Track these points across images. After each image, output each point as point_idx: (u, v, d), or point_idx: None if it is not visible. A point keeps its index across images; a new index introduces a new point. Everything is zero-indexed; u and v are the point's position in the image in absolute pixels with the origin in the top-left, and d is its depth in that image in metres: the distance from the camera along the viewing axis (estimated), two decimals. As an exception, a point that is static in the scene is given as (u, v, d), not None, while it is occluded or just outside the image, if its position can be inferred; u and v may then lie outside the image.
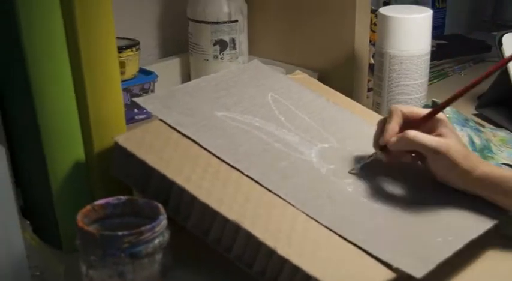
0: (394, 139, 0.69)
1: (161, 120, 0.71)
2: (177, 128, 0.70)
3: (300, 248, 0.60)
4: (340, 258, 0.61)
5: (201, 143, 0.69)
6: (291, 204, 0.65)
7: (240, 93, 0.78)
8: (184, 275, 0.66)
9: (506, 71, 1.00)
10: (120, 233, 0.58)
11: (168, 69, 1.12)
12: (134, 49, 1.00)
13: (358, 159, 0.74)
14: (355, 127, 0.80)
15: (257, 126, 0.74)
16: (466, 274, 0.66)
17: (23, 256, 0.62)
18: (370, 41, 1.04)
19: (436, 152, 0.67)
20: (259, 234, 0.60)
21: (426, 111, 0.71)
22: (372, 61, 1.04)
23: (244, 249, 0.62)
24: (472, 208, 0.70)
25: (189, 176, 0.65)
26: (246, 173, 0.67)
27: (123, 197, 0.64)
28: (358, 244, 0.63)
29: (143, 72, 1.04)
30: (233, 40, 1.08)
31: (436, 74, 1.22)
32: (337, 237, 0.63)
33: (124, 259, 0.58)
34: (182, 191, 0.64)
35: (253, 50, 1.15)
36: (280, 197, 0.66)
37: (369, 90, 1.06)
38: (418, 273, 0.60)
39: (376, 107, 0.99)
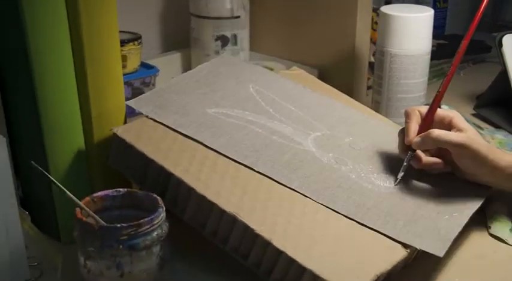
0: (418, 139, 0.71)
1: (159, 122, 0.71)
2: (177, 129, 0.70)
3: (296, 240, 0.61)
4: (338, 249, 0.62)
5: (205, 143, 0.70)
6: (305, 196, 0.66)
7: (223, 87, 0.79)
8: (181, 267, 0.67)
9: (505, 72, 1.00)
10: (118, 225, 0.58)
11: (169, 64, 1.12)
12: (136, 43, 1.00)
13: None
14: (338, 112, 0.82)
15: (250, 120, 0.75)
16: (456, 272, 0.67)
17: (21, 246, 0.63)
18: (371, 40, 1.04)
19: (461, 146, 0.69)
20: (256, 226, 0.61)
21: (444, 111, 0.73)
22: (372, 59, 1.04)
23: (241, 241, 0.62)
24: (464, 187, 0.72)
25: (186, 168, 0.66)
26: (256, 169, 0.68)
27: (122, 190, 0.65)
28: (378, 228, 0.64)
29: (145, 66, 1.04)
30: (235, 36, 1.08)
31: (436, 73, 1.23)
32: (335, 226, 0.64)
33: (122, 251, 0.59)
34: (180, 183, 0.65)
35: (254, 46, 1.15)
36: (293, 190, 0.67)
37: (369, 88, 1.06)
38: (440, 252, 0.62)
39: (376, 105, 0.99)
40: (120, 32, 0.70)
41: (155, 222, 0.60)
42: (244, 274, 0.64)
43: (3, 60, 0.68)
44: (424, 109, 0.73)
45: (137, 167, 0.68)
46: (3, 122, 0.69)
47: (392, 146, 0.77)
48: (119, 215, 0.64)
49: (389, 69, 0.95)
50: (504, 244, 0.72)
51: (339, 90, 0.89)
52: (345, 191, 0.68)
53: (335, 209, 0.66)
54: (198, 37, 1.09)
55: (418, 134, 0.72)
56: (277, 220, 0.63)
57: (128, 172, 0.69)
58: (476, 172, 0.71)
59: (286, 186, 0.67)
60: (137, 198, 0.64)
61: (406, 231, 0.64)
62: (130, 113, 0.75)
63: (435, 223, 0.66)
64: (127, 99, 0.73)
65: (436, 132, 0.70)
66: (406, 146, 0.72)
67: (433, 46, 0.98)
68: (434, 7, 1.25)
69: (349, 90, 1.01)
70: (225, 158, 0.69)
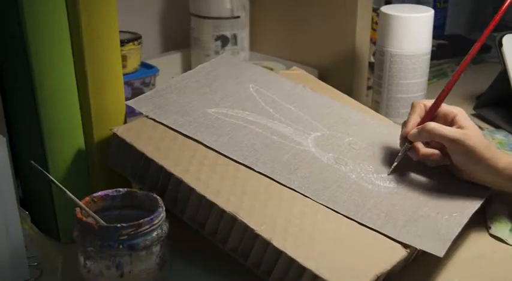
0: (414, 131, 0.71)
1: (159, 122, 0.71)
2: (177, 129, 0.70)
3: (296, 240, 0.61)
4: (338, 249, 0.62)
5: (205, 143, 0.70)
6: (305, 196, 0.66)
7: (223, 87, 0.79)
8: (181, 267, 0.67)
9: (505, 72, 1.00)
10: (118, 225, 0.58)
11: (169, 64, 1.12)
12: (136, 43, 1.00)
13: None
14: (338, 112, 0.82)
15: (250, 120, 0.75)
16: (456, 271, 0.67)
17: (21, 246, 0.63)
18: (371, 40, 1.04)
19: (454, 141, 0.69)
20: (255, 226, 0.61)
21: (448, 106, 0.73)
22: (372, 59, 1.04)
23: (240, 241, 0.62)
24: (464, 188, 0.73)
25: (186, 168, 0.66)
26: (256, 169, 0.68)
27: (122, 190, 0.65)
28: (378, 228, 0.64)
29: (145, 66, 1.04)
30: (235, 36, 1.08)
31: (436, 73, 1.23)
32: (335, 226, 0.64)
33: (122, 251, 0.59)
34: (180, 182, 0.65)
35: (254, 46, 1.15)
36: (293, 190, 0.67)
37: (369, 88, 1.06)
38: (440, 252, 0.62)
39: (376, 105, 0.99)
40: (120, 32, 0.70)
41: (155, 222, 0.60)
42: (244, 274, 0.64)
43: (3, 60, 0.68)
44: (430, 103, 0.74)
45: (137, 167, 0.68)
46: (3, 122, 0.69)
47: (392, 146, 0.77)
48: (118, 215, 0.64)
49: (389, 69, 0.95)
50: (504, 244, 0.72)
51: (339, 90, 0.89)
52: (344, 191, 0.68)
53: (335, 209, 0.66)
54: (198, 37, 1.09)
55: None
56: (277, 219, 0.63)
57: (128, 172, 0.69)
58: (471, 170, 0.71)
59: (286, 186, 0.67)
60: (137, 198, 0.64)
61: (406, 231, 0.64)
62: (130, 113, 0.76)
63: (435, 223, 0.66)
64: (127, 99, 0.73)
65: (431, 125, 0.70)
66: (404, 137, 0.73)
67: (433, 46, 0.98)
68: (434, 7, 1.24)
69: (349, 90, 1.01)
70: (224, 158, 0.69)
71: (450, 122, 0.72)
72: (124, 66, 0.95)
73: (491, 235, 0.73)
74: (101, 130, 0.70)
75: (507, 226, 0.73)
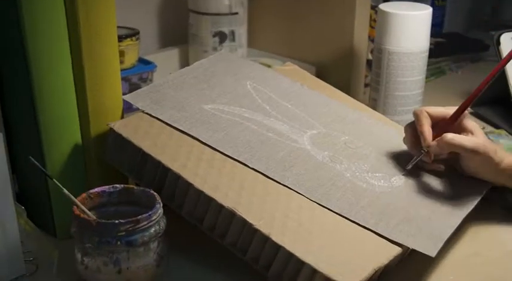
0: (434, 143, 0.72)
1: (155, 117, 0.71)
2: (173, 124, 0.70)
3: (294, 235, 0.61)
4: (336, 244, 0.62)
5: (200, 138, 0.70)
6: (299, 193, 0.67)
7: (220, 84, 0.79)
8: (178, 263, 0.67)
9: (503, 70, 1.00)
10: (116, 221, 0.58)
11: (167, 60, 1.12)
12: (134, 38, 1.00)
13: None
14: (335, 111, 0.82)
15: (247, 117, 0.75)
16: (451, 269, 0.67)
17: (17, 241, 0.63)
18: (369, 37, 1.04)
19: (475, 152, 0.70)
20: (254, 221, 0.61)
21: (449, 110, 0.74)
22: (370, 57, 1.04)
23: (239, 236, 0.63)
24: (458, 188, 0.73)
25: (184, 163, 0.66)
26: (250, 165, 0.68)
27: (119, 186, 0.65)
28: (370, 227, 0.64)
29: (142, 61, 1.04)
30: (233, 32, 1.08)
31: (433, 71, 1.23)
32: (333, 221, 0.65)
33: (120, 247, 0.59)
34: (178, 178, 0.65)
35: (252, 43, 1.15)
36: (287, 187, 0.67)
37: (366, 85, 1.06)
38: (432, 252, 0.62)
39: (373, 103, 0.99)
40: (118, 27, 0.69)
41: (153, 218, 0.60)
42: (243, 269, 0.64)
43: (0, 56, 0.68)
44: (431, 109, 0.74)
45: (134, 162, 0.68)
46: (0, 118, 0.69)
47: (389, 145, 0.77)
48: (115, 212, 0.64)
49: (387, 67, 0.95)
50: (498, 242, 0.72)
51: (336, 87, 0.89)
52: (338, 189, 0.68)
53: (328, 207, 0.66)
54: (196, 33, 1.09)
55: (438, 132, 0.72)
56: (275, 214, 0.63)
57: (125, 167, 0.69)
58: (479, 172, 0.73)
59: (280, 183, 0.67)
60: (134, 194, 0.64)
61: (398, 230, 0.65)
62: (128, 109, 0.75)
63: (428, 223, 0.67)
64: (124, 95, 0.73)
65: (449, 136, 0.71)
66: (416, 143, 0.73)
67: (431, 44, 0.98)
68: (432, 5, 1.25)
69: (347, 87, 1.01)
70: (221, 154, 0.69)
71: (458, 126, 0.73)
72: (121, 62, 0.95)
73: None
74: (98, 125, 0.70)
75: None
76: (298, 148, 0.73)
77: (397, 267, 0.66)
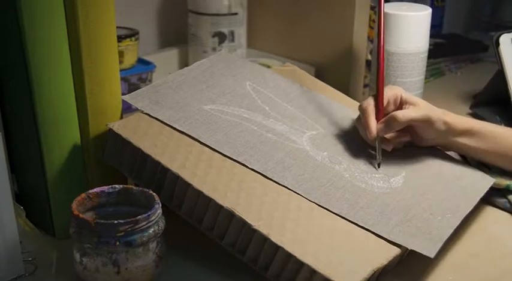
0: (381, 126, 0.73)
1: (154, 117, 0.71)
2: (172, 125, 0.70)
3: (293, 235, 0.61)
4: (335, 244, 0.62)
5: (200, 139, 0.70)
6: (298, 193, 0.67)
7: (220, 84, 0.79)
8: (177, 263, 0.67)
9: (502, 71, 1.01)
10: (115, 221, 0.58)
11: (166, 60, 1.12)
12: (133, 39, 1.00)
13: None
14: (334, 111, 0.82)
15: (246, 118, 0.75)
16: (450, 270, 0.67)
17: (16, 241, 0.63)
18: (368, 38, 1.04)
19: (425, 120, 0.73)
20: (253, 221, 0.61)
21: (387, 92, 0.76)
22: (370, 57, 1.04)
23: (238, 236, 0.63)
24: (457, 189, 0.73)
25: (183, 163, 0.66)
26: (249, 166, 0.68)
27: (118, 186, 0.65)
28: (369, 228, 0.64)
29: (141, 62, 1.04)
30: (232, 33, 1.08)
31: (433, 72, 1.23)
32: (332, 222, 0.65)
33: (119, 247, 0.59)
34: (177, 178, 0.65)
35: (252, 43, 1.15)
36: (286, 187, 0.67)
37: (365, 86, 1.06)
38: (431, 253, 0.62)
39: (372, 104, 0.99)
40: (118, 27, 0.69)
41: (152, 218, 0.60)
42: (242, 269, 0.64)
43: (0, 56, 0.68)
44: (374, 101, 0.76)
45: (133, 163, 0.68)
46: (-1, 117, 0.69)
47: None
48: (113, 212, 0.64)
49: (386, 67, 0.95)
50: (497, 243, 0.72)
51: (336, 88, 0.89)
52: (337, 189, 0.69)
53: (327, 208, 0.66)
54: (195, 33, 1.09)
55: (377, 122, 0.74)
56: (274, 215, 0.63)
57: (124, 168, 0.69)
58: (439, 137, 0.76)
59: (279, 183, 0.67)
60: (132, 194, 0.64)
61: (397, 231, 0.65)
62: (127, 109, 0.75)
63: (427, 223, 0.67)
64: (123, 95, 0.73)
65: (399, 114, 0.73)
66: (373, 137, 0.74)
67: (430, 45, 0.98)
68: (432, 6, 1.25)
69: (346, 88, 1.01)
70: (221, 154, 0.69)
71: (400, 104, 0.76)
72: (121, 62, 0.95)
73: None
74: (97, 126, 0.70)
75: None
76: (298, 148, 0.73)
77: (396, 267, 0.66)
